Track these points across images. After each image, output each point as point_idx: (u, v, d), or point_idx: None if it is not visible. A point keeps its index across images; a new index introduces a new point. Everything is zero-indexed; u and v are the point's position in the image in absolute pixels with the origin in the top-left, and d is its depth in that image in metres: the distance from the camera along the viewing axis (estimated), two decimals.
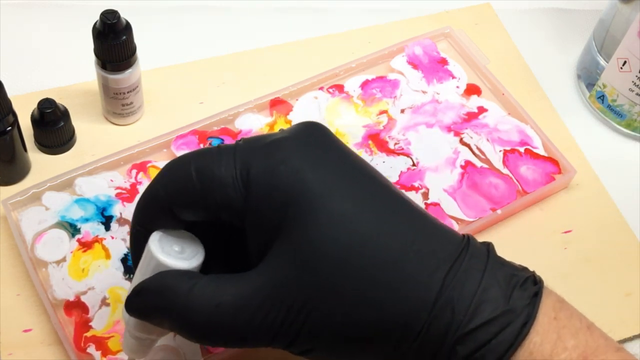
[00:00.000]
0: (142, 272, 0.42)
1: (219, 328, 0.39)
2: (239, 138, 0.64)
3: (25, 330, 0.56)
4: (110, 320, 0.55)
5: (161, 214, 0.42)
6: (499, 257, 0.43)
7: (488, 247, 0.43)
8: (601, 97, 0.70)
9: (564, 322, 0.41)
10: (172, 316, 0.40)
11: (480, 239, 0.62)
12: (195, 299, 0.39)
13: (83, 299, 0.55)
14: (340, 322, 0.38)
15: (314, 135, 0.42)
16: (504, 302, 0.39)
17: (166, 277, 0.40)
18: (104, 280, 0.57)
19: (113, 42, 0.59)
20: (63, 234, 0.58)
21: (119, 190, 0.61)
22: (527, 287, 0.41)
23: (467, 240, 0.42)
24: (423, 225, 0.41)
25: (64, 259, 0.57)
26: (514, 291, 0.40)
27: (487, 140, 0.66)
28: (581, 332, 0.41)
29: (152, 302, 0.41)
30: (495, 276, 0.40)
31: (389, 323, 0.39)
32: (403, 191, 0.46)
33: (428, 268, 0.39)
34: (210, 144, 0.64)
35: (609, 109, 0.70)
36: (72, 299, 0.55)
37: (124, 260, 0.58)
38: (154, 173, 0.62)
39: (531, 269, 0.61)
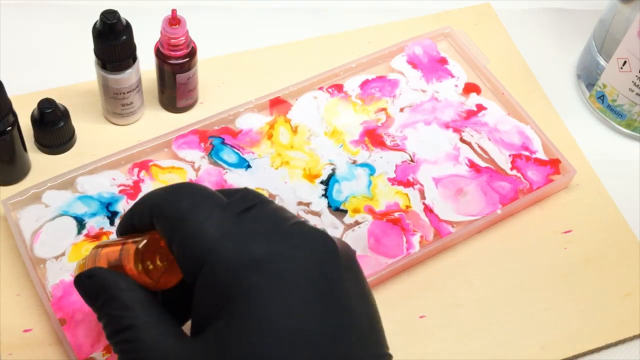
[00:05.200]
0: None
1: None
2: (239, 138, 0.64)
3: (25, 330, 0.56)
4: None
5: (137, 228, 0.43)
6: None
7: None
8: (601, 97, 0.70)
9: None
10: (107, 319, 0.41)
11: (481, 238, 0.63)
12: (139, 331, 0.40)
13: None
14: None
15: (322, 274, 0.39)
16: None
17: (121, 284, 0.41)
18: None
19: (113, 42, 0.59)
20: (71, 223, 0.59)
21: (122, 187, 0.61)
22: None
23: None
24: None
25: (63, 254, 0.57)
26: None
27: (489, 139, 0.66)
28: None
29: (97, 296, 0.42)
30: None
31: None
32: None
33: None
34: (211, 142, 0.64)
35: (609, 109, 0.70)
36: (68, 279, 0.56)
37: None
38: (156, 171, 0.62)
39: (531, 269, 0.62)
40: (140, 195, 0.60)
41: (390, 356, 0.40)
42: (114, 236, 0.58)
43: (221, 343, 0.37)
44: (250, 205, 0.40)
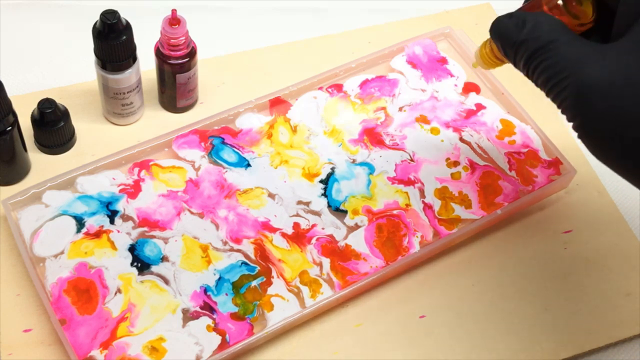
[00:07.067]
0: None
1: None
2: (239, 137, 0.64)
3: (25, 330, 0.56)
4: (123, 306, 0.55)
5: None
6: None
7: None
8: None
9: None
10: (527, 45, 0.45)
11: (481, 238, 0.63)
12: (559, 49, 0.44)
13: (94, 276, 0.56)
14: None
15: None
16: None
17: (540, 16, 0.45)
18: (113, 265, 0.57)
19: (113, 42, 0.59)
20: (71, 223, 0.59)
21: (122, 187, 0.61)
22: None
23: None
24: None
25: (62, 252, 0.57)
26: None
27: (488, 139, 0.66)
28: None
29: (519, 30, 0.45)
30: None
31: None
32: None
33: None
34: (211, 142, 0.64)
35: None
36: (65, 275, 0.56)
37: (131, 250, 0.58)
38: (156, 170, 0.62)
39: (531, 269, 0.62)
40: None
41: None
42: (114, 234, 0.58)
43: None
44: None
